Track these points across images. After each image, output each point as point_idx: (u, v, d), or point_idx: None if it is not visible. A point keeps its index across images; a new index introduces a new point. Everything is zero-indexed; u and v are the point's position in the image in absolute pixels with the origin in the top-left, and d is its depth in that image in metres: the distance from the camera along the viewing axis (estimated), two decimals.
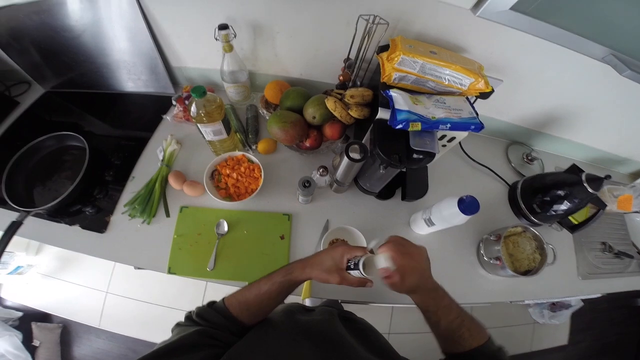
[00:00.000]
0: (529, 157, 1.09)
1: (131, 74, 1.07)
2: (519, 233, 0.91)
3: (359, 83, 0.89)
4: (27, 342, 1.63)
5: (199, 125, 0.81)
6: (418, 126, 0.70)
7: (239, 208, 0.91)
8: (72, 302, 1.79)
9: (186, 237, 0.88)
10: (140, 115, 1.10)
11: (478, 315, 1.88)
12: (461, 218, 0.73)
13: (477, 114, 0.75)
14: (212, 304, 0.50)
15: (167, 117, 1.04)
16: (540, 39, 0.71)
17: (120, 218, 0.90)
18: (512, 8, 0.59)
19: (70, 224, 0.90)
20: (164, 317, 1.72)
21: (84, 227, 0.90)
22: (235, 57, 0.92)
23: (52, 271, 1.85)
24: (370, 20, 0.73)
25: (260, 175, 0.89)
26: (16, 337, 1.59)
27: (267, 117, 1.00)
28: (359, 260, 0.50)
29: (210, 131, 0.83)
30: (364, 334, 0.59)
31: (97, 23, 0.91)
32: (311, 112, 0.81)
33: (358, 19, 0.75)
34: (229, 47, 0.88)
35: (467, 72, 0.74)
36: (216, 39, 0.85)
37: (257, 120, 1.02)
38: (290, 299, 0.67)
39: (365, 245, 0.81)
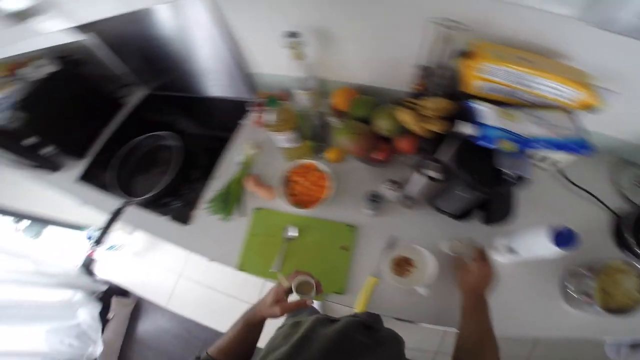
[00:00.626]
0: None
1: (214, 80, 1.17)
2: (619, 268, 0.77)
3: (435, 93, 0.84)
4: (103, 314, 1.86)
5: (272, 133, 0.85)
6: (510, 145, 0.64)
7: (306, 215, 0.93)
8: (149, 281, 2.03)
9: (258, 237, 0.93)
10: (223, 119, 1.19)
11: (544, 345, 1.65)
12: (552, 251, 0.63)
13: (585, 133, 0.65)
14: (198, 357, 0.58)
15: (246, 122, 1.11)
16: None
17: (202, 213, 1.00)
18: None
19: (162, 214, 1.03)
20: (223, 305, 1.86)
21: (172, 218, 1.02)
22: (305, 64, 0.93)
23: (140, 251, 2.12)
24: (449, 26, 0.67)
25: (329, 184, 0.90)
26: (96, 308, 1.82)
27: (336, 125, 1.01)
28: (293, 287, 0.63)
29: (283, 139, 0.86)
30: (379, 343, 0.61)
31: (182, 32, 1.01)
32: (382, 124, 0.79)
33: (434, 24, 0.69)
34: (298, 55, 0.89)
35: (571, 83, 0.64)
36: (285, 47, 0.87)
37: (326, 128, 1.04)
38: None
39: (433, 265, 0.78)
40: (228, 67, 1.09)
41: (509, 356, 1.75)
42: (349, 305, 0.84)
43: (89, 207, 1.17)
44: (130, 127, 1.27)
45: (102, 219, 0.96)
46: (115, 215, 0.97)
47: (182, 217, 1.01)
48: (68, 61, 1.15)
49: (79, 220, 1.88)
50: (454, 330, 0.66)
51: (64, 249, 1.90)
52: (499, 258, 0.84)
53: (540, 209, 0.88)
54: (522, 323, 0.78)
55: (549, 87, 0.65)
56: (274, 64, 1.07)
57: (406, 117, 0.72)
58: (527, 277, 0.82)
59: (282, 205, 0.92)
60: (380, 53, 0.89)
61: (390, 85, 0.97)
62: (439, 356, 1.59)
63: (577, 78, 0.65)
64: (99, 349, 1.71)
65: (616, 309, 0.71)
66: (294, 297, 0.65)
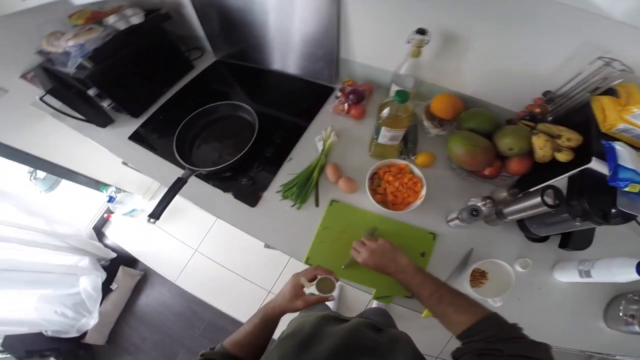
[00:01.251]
0: None
1: (300, 57, 1.08)
2: None
3: (549, 119, 0.84)
4: (107, 284, 1.75)
5: (382, 127, 0.80)
6: (637, 188, 0.65)
7: (388, 216, 0.90)
8: (162, 253, 1.90)
9: (330, 231, 0.89)
10: (300, 100, 1.12)
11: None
12: (630, 278, 0.69)
13: None
14: (212, 348, 0.58)
15: (328, 108, 1.04)
16: None
17: (272, 196, 0.93)
18: None
19: (225, 190, 0.95)
20: (235, 287, 1.77)
21: (236, 196, 0.94)
22: (417, 62, 0.89)
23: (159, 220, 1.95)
24: (611, 64, 0.67)
25: (422, 190, 0.87)
26: (100, 277, 1.71)
27: (430, 129, 0.97)
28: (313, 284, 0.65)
29: (390, 135, 0.82)
30: (392, 342, 0.60)
31: (291, 4, 0.92)
32: (509, 143, 0.76)
33: (595, 60, 0.68)
34: (418, 53, 0.84)
35: None
36: (408, 42, 0.82)
37: (416, 130, 1.00)
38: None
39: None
40: (321, 48, 1.01)
41: None
42: (418, 310, 0.84)
43: (125, 168, 1.05)
44: (194, 92, 1.17)
45: (131, 180, 0.87)
46: (176, 186, 0.88)
47: (249, 197, 0.93)
48: (152, 16, 1.05)
49: (101, 179, 1.68)
50: None
51: (77, 208, 1.72)
52: (562, 279, 0.88)
53: (609, 242, 0.92)
54: (561, 333, 0.83)
55: None
56: (372, 54, 1.01)
57: (541, 142, 0.71)
58: (579, 296, 0.87)
59: (362, 201, 0.88)
60: (505, 70, 0.86)
61: (499, 102, 0.94)
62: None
63: None
64: (92, 320, 1.60)
65: None
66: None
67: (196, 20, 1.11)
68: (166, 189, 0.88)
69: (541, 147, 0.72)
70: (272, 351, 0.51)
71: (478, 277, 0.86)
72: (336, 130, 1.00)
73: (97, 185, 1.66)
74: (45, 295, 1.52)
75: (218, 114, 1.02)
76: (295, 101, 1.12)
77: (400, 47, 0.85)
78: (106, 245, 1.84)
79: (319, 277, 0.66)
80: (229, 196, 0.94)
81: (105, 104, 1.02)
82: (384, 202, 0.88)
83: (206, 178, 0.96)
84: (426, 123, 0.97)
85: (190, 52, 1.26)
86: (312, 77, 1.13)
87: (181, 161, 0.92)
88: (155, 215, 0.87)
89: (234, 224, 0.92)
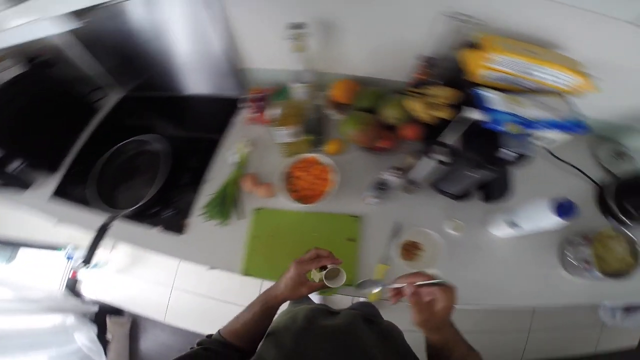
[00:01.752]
0: (621, 155, 0.99)
1: (200, 77, 1.09)
2: (610, 235, 0.84)
3: (437, 82, 0.84)
4: (101, 335, 1.75)
5: (276, 128, 0.81)
6: (516, 128, 0.66)
7: (309, 210, 0.91)
8: (141, 297, 1.90)
9: (260, 238, 0.89)
10: (212, 118, 1.12)
11: (542, 314, 1.77)
12: (554, 222, 0.67)
13: (581, 114, 0.69)
14: (210, 335, 0.57)
15: (239, 119, 1.05)
16: None
17: (196, 220, 0.94)
18: None
19: (153, 225, 0.95)
20: (222, 312, 1.78)
21: (164, 228, 0.94)
22: (305, 56, 0.89)
23: (125, 267, 1.97)
24: (460, 19, 0.69)
25: (332, 177, 0.88)
26: (92, 330, 1.71)
27: (335, 117, 0.98)
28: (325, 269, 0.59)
29: (286, 133, 0.83)
30: (384, 337, 0.60)
31: (166, 26, 0.93)
32: (390, 113, 0.78)
33: (445, 17, 0.71)
34: (300, 47, 0.85)
35: (568, 71, 0.68)
36: (288, 39, 0.83)
37: (323, 120, 1.01)
38: None
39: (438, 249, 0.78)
40: (217, 63, 1.02)
41: (511, 330, 1.87)
42: (362, 296, 0.84)
43: (66, 226, 1.06)
44: (106, 133, 1.16)
45: (82, 236, 0.87)
46: (101, 232, 0.89)
47: (176, 226, 0.94)
48: (36, 62, 1.03)
49: (55, 240, 1.70)
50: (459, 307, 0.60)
51: (43, 272, 1.74)
52: (499, 233, 0.88)
53: (532, 185, 0.94)
54: (526, 293, 0.83)
55: (549, 74, 0.68)
56: (267, 58, 1.03)
57: (415, 106, 0.72)
58: (527, 250, 0.87)
59: (283, 202, 0.88)
60: (384, 45, 0.88)
61: (390, 76, 0.96)
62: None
63: (572, 66, 0.69)
64: None
65: (612, 274, 0.78)
66: None
67: (91, 59, 1.09)
68: None
69: (415, 109, 0.73)
70: (267, 345, 0.51)
71: (411, 250, 0.86)
72: (251, 140, 1.01)
73: (54, 247, 1.67)
74: (53, 355, 1.55)
75: (129, 152, 1.02)
76: (208, 120, 1.12)
77: (285, 45, 0.85)
78: (85, 301, 1.85)
79: (329, 267, 0.60)
80: (157, 230, 0.95)
81: (14, 166, 0.99)
82: (301, 198, 0.89)
83: (134, 217, 0.97)
84: (330, 111, 0.98)
85: (94, 93, 1.22)
86: (220, 93, 1.13)
87: (102, 208, 0.93)
88: (86, 261, 0.88)
89: (169, 254, 0.93)
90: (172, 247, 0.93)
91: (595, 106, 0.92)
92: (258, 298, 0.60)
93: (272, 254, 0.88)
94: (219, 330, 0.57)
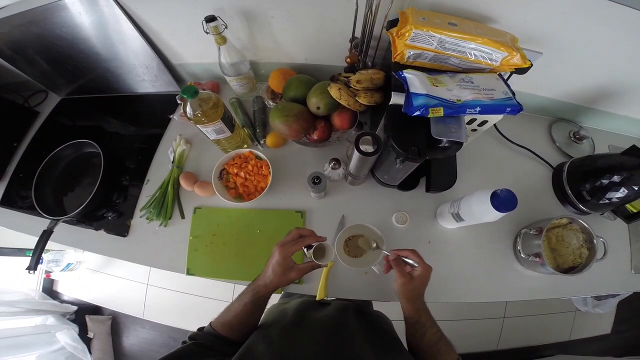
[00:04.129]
0: (577, 136, 0.93)
1: (134, 76, 1.05)
2: (564, 225, 0.79)
3: (370, 64, 0.79)
4: (83, 334, 1.79)
5: (198, 126, 0.77)
6: (440, 112, 0.61)
7: (251, 207, 0.88)
8: (119, 295, 1.93)
9: (201, 238, 0.87)
10: (150, 116, 1.09)
11: (515, 304, 1.76)
12: (494, 215, 0.62)
13: (513, 93, 0.64)
14: (201, 329, 0.55)
15: (175, 117, 1.02)
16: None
17: (139, 221, 0.92)
18: None
19: (96, 228, 0.94)
20: (199, 307, 1.81)
21: (108, 231, 0.93)
22: (232, 48, 0.86)
23: (99, 266, 2.00)
24: None
25: (269, 172, 0.85)
26: (73, 330, 1.75)
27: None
28: (311, 248, 0.60)
29: (211, 130, 0.79)
30: (372, 327, 0.60)
31: (86, 29, 0.89)
32: (315, 102, 0.73)
33: None
34: (221, 39, 0.81)
35: (498, 45, 0.62)
36: (206, 32, 0.78)
37: (264, 113, 0.97)
38: None
39: (382, 243, 0.75)
40: (146, 61, 0.98)
41: (487, 316, 1.86)
42: (311, 293, 0.81)
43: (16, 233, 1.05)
44: (47, 138, 1.12)
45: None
46: (43, 238, 0.88)
47: (119, 228, 0.92)
48: None
49: (23, 245, 1.71)
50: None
51: (16, 276, 1.77)
52: (448, 225, 0.84)
53: (481, 170, 0.90)
54: (483, 289, 0.80)
55: (478, 50, 0.63)
56: (194, 52, 0.98)
57: (336, 92, 0.67)
58: (481, 242, 0.84)
59: (223, 200, 0.85)
60: (312, 29, 0.83)
61: (328, 61, 0.91)
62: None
63: (505, 41, 0.63)
64: None
65: (568, 268, 0.74)
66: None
67: (14, 68, 1.04)
68: None
69: (338, 97, 0.68)
70: (255, 341, 0.49)
71: (355, 245, 0.82)
72: (187, 137, 0.98)
73: (22, 252, 1.69)
74: (40, 355, 1.59)
75: (67, 157, 0.99)
76: (146, 119, 1.09)
77: (211, 39, 0.81)
78: (63, 301, 1.88)
79: (315, 244, 0.61)
80: (102, 233, 0.93)
81: None
82: (238, 196, 0.86)
83: (78, 222, 0.95)
84: (269, 103, 0.94)
85: (31, 99, 1.20)
86: (157, 91, 1.10)
87: (42, 214, 0.91)
88: (31, 267, 0.87)
89: (114, 256, 0.91)
90: (117, 249, 0.91)
91: (547, 86, 0.87)
92: (248, 288, 0.58)
93: (214, 253, 0.86)
94: (210, 323, 0.55)
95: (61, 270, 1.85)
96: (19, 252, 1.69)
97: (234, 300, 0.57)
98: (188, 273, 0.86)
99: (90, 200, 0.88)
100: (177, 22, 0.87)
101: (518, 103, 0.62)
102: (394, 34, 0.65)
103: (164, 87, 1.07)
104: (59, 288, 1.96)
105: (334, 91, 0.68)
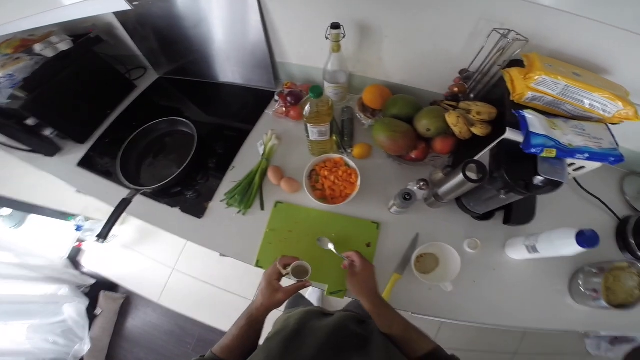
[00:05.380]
0: None
1: (236, 66, 1.10)
2: (623, 268, 0.84)
3: (472, 97, 0.84)
4: (91, 310, 1.78)
5: (308, 124, 0.81)
6: (553, 153, 0.65)
7: (331, 210, 0.91)
8: (141, 275, 1.92)
9: (278, 232, 0.90)
10: (243, 107, 1.14)
11: (531, 339, 1.77)
12: (574, 250, 0.68)
13: (617, 144, 0.69)
14: (202, 356, 0.58)
15: (269, 112, 1.06)
16: None
17: (217, 205, 0.95)
18: None
19: (172, 205, 0.96)
20: (218, 299, 1.79)
21: (183, 210, 0.95)
22: (341, 57, 0.91)
23: (131, 243, 1.99)
24: (506, 35, 0.68)
25: (357, 181, 0.88)
26: (83, 304, 1.74)
27: (364, 121, 0.99)
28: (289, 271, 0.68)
29: (317, 131, 0.83)
30: (374, 338, 0.61)
31: (212, 14, 0.94)
32: (426, 124, 0.78)
33: (491, 32, 0.70)
34: (337, 47, 0.87)
35: (616, 99, 0.67)
36: (327, 38, 0.84)
37: (352, 123, 1.01)
38: None
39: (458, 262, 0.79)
40: (257, 55, 1.04)
41: (498, 351, 1.86)
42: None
43: (85, 195, 1.07)
44: (138, 111, 1.18)
45: (98, 207, 0.88)
46: (121, 207, 0.90)
47: (196, 209, 0.94)
48: (82, 40, 1.05)
49: (67, 209, 1.72)
50: (449, 322, 0.68)
51: (49, 240, 1.77)
52: (515, 256, 0.88)
53: (554, 213, 0.93)
54: (528, 315, 0.83)
55: (595, 101, 0.67)
56: (302, 54, 1.03)
57: (454, 119, 0.72)
58: (539, 275, 0.86)
59: (305, 199, 0.89)
60: (422, 54, 0.88)
61: (425, 86, 0.96)
62: None
63: (622, 94, 0.67)
64: (86, 346, 1.63)
65: (617, 305, 0.77)
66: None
67: (131, 41, 1.13)
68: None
69: (454, 123, 0.73)
70: (258, 352, 0.52)
71: (428, 262, 0.86)
72: (277, 133, 1.02)
73: (64, 216, 1.69)
74: (34, 325, 1.55)
75: (159, 131, 1.04)
76: (238, 109, 1.14)
77: (325, 44, 0.87)
78: (83, 273, 1.86)
79: (293, 264, 0.69)
80: (176, 211, 0.95)
81: (47, 132, 1.03)
82: (323, 198, 0.90)
83: (154, 196, 0.98)
84: (360, 115, 0.98)
85: (131, 72, 1.27)
86: (252, 84, 1.15)
87: (125, 182, 0.94)
88: (103, 235, 0.89)
89: (185, 237, 0.93)
90: (189, 230, 0.93)
91: (631, 138, 0.92)
92: (243, 313, 0.64)
93: (287, 248, 0.88)
94: (211, 350, 0.58)
95: (93, 241, 1.84)
96: (61, 215, 1.69)
97: (232, 326, 0.62)
98: (257, 265, 0.87)
99: (176, 175, 0.91)
100: (297, 23, 0.93)
101: (621, 154, 0.67)
102: (518, 76, 0.70)
103: (261, 82, 1.13)
104: (83, 259, 1.95)
105: (452, 118, 0.72)
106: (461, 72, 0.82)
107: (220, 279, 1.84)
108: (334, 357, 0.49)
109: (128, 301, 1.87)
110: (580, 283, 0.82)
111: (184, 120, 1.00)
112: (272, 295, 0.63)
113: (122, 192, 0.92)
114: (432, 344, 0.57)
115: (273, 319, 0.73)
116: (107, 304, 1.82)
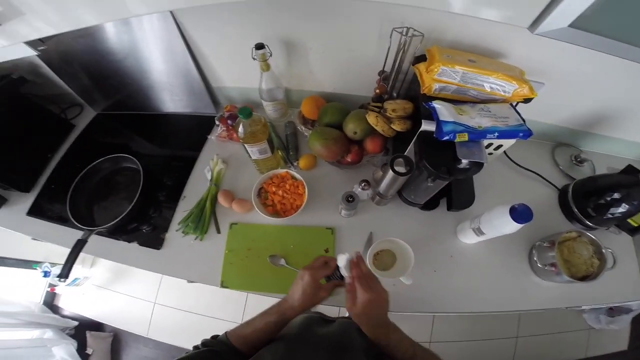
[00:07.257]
0: (578, 159, 1.04)
1: (174, 95, 1.12)
2: (573, 238, 0.87)
3: (395, 95, 0.90)
4: (81, 350, 1.74)
5: (245, 145, 0.84)
6: (465, 137, 0.70)
7: (285, 223, 0.94)
8: (123, 312, 1.90)
9: (237, 252, 0.92)
10: (187, 136, 1.16)
11: (528, 321, 1.78)
12: (513, 227, 0.71)
13: (523, 120, 0.74)
14: (215, 336, 0.56)
15: (212, 137, 1.09)
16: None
17: (174, 235, 0.96)
18: (571, 25, 0.58)
19: (129, 241, 0.97)
20: (206, 327, 1.78)
21: (141, 244, 0.96)
22: (272, 75, 0.95)
23: (106, 282, 1.97)
24: (404, 33, 0.74)
25: (304, 191, 0.92)
26: (72, 345, 1.70)
27: (306, 133, 1.03)
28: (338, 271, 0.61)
29: (256, 150, 0.87)
30: (374, 344, 0.60)
31: (137, 46, 0.96)
32: (352, 128, 0.82)
33: (392, 32, 0.75)
34: (266, 66, 0.90)
35: (510, 79, 0.73)
36: (254, 59, 0.88)
37: (296, 137, 1.05)
38: None
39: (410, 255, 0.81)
40: (189, 82, 1.06)
41: (499, 337, 1.87)
42: (340, 305, 0.85)
43: (43, 242, 1.07)
44: (81, 152, 1.17)
45: (62, 252, 0.88)
46: (77, 247, 0.90)
47: (153, 241, 0.95)
48: (3, 83, 1.03)
49: (31, 257, 1.70)
50: (441, 314, 0.66)
51: (19, 288, 1.73)
52: (467, 241, 0.91)
53: (494, 192, 0.98)
54: (501, 299, 0.86)
55: (492, 83, 0.73)
56: (235, 76, 1.07)
57: (373, 119, 0.77)
58: (498, 256, 0.91)
59: (259, 217, 0.91)
60: (345, 61, 0.93)
61: (355, 91, 1.01)
62: (432, 345, 1.65)
63: (515, 74, 0.74)
64: None
65: (582, 277, 0.81)
66: None
67: (59, 79, 1.10)
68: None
69: (375, 123, 0.77)
70: (263, 351, 0.50)
71: (384, 259, 0.88)
72: (223, 157, 1.05)
73: (28, 264, 1.67)
74: None
75: (104, 170, 1.04)
76: (182, 138, 1.16)
77: (254, 64, 0.91)
78: (64, 316, 1.84)
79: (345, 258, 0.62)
80: (134, 245, 0.96)
81: None
82: (275, 213, 0.92)
83: (110, 234, 0.98)
84: (301, 127, 1.02)
85: (67, 111, 1.23)
86: (193, 111, 1.17)
87: (77, 224, 0.94)
88: (63, 275, 0.88)
89: (147, 268, 0.93)
90: (151, 262, 0.94)
91: (547, 113, 0.99)
92: (273, 308, 0.60)
93: (249, 266, 0.90)
94: (225, 332, 0.56)
95: (67, 285, 1.82)
96: (25, 263, 1.67)
97: (256, 316, 0.59)
98: (222, 285, 0.88)
99: (128, 212, 0.92)
100: (224, 47, 0.96)
101: (528, 128, 0.73)
102: (423, 70, 0.75)
103: (200, 109, 1.15)
104: (61, 303, 1.92)
105: (372, 118, 0.77)
106: (380, 73, 0.87)
107: (203, 307, 1.84)
108: None
109: (117, 338, 1.85)
110: (536, 259, 0.86)
111: (127, 156, 1.01)
112: (316, 293, 0.58)
113: (78, 234, 0.93)
114: None
115: None
116: (96, 343, 1.80)
